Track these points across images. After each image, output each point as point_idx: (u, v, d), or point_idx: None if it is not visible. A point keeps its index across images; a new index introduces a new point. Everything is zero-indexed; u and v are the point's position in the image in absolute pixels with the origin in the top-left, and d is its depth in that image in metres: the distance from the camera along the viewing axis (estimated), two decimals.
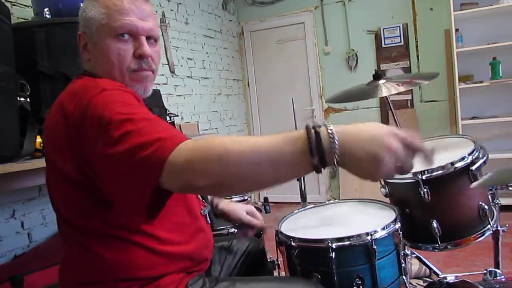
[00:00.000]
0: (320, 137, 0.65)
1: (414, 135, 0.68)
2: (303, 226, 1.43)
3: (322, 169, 0.67)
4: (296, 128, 1.95)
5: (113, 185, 0.79)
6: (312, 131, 0.66)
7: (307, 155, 0.65)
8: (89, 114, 0.80)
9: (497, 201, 1.49)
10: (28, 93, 1.56)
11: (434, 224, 1.40)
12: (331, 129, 0.66)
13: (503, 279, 1.56)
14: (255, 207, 1.48)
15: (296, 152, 0.67)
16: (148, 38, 0.98)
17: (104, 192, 0.83)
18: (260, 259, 1.40)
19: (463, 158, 1.38)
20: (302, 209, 1.62)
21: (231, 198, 2.08)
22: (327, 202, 1.66)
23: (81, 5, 1.02)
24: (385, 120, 4.20)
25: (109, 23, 0.94)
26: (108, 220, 0.90)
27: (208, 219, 1.16)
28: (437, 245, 1.43)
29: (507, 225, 1.50)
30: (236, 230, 1.58)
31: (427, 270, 2.15)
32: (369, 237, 1.19)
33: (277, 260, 1.53)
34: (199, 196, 1.17)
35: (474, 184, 1.26)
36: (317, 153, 0.65)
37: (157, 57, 1.02)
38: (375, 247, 1.19)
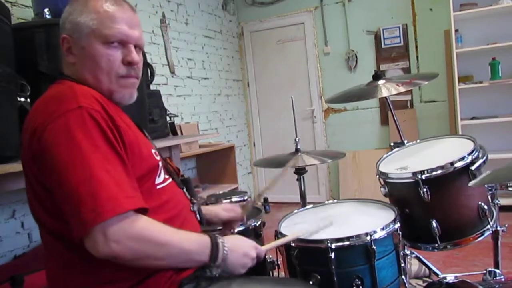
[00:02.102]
0: (218, 253, 0.96)
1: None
2: (302, 226, 1.43)
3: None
4: (296, 128, 1.96)
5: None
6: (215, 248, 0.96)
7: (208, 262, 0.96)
8: (47, 144, 0.85)
9: (497, 201, 1.49)
10: (28, 93, 1.56)
11: (434, 224, 1.40)
12: (226, 249, 0.97)
13: (503, 279, 1.56)
14: (255, 207, 1.48)
15: (205, 258, 0.95)
16: (135, 46, 1.02)
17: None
18: (258, 260, 1.39)
19: (462, 158, 1.38)
20: (302, 209, 1.62)
21: (230, 198, 2.08)
22: (327, 202, 1.66)
23: (67, 7, 1.02)
24: (385, 120, 4.21)
25: (100, 29, 0.96)
26: None
27: (197, 215, 1.16)
28: (437, 245, 1.43)
29: (506, 225, 1.50)
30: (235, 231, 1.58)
31: (427, 270, 2.15)
32: (368, 237, 1.20)
33: (276, 260, 1.53)
34: (186, 193, 1.17)
35: (472, 182, 1.26)
36: (215, 264, 0.96)
37: (141, 65, 1.06)
38: (375, 247, 1.19)
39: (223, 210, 1.34)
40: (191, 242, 0.93)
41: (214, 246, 0.95)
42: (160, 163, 1.04)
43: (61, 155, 0.83)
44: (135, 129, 1.04)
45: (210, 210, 1.33)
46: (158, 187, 1.01)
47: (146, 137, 1.10)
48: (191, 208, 1.14)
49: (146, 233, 0.86)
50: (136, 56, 1.00)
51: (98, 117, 0.88)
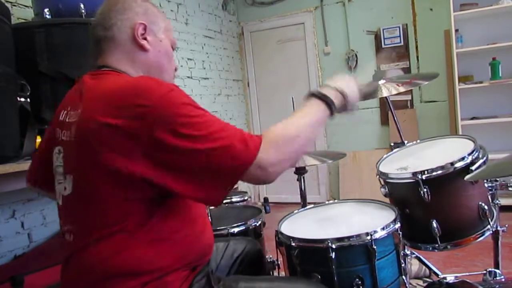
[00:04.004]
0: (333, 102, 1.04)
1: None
2: (303, 226, 1.43)
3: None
4: None
5: (194, 177, 0.86)
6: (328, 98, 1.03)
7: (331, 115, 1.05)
8: (165, 110, 0.85)
9: (497, 201, 1.49)
10: (28, 94, 1.56)
11: (434, 224, 1.40)
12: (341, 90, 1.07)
13: (503, 279, 1.56)
14: (255, 207, 1.48)
15: (327, 115, 1.04)
16: None
17: (169, 186, 0.86)
18: (257, 260, 1.39)
19: (463, 158, 1.38)
20: (302, 209, 1.62)
21: (230, 198, 2.08)
22: (327, 202, 1.66)
23: None
24: (385, 120, 4.20)
25: (171, 35, 1.11)
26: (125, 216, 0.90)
27: (209, 216, 1.17)
28: (437, 245, 1.43)
29: (506, 225, 1.50)
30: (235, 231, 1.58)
31: (427, 270, 2.15)
32: (369, 237, 1.20)
33: (277, 260, 1.53)
34: None
35: (468, 176, 1.26)
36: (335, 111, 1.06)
37: None
38: (375, 247, 1.19)
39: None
40: (311, 117, 1.00)
41: (330, 104, 1.03)
42: None
43: (192, 108, 0.87)
44: None
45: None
46: None
47: None
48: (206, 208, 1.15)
49: (279, 140, 0.91)
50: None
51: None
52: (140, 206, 0.89)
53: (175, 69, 1.14)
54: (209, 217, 1.18)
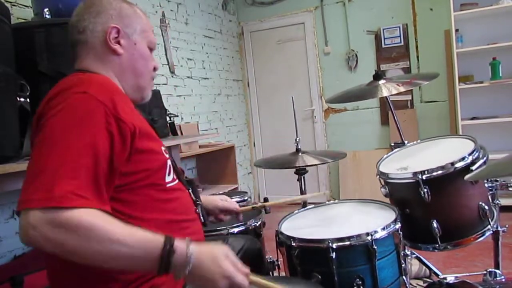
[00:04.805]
0: (171, 258, 0.78)
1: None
2: (303, 226, 1.43)
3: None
4: (296, 128, 1.96)
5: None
6: (166, 251, 0.78)
7: (156, 267, 0.78)
8: (50, 106, 0.87)
9: (497, 201, 1.49)
10: (28, 93, 1.55)
11: (434, 224, 1.40)
12: (190, 253, 0.79)
13: (503, 280, 1.56)
14: (255, 207, 1.48)
15: (152, 264, 0.78)
16: None
17: None
18: (256, 258, 1.39)
19: (463, 158, 1.38)
20: (302, 209, 1.62)
21: (230, 198, 2.08)
22: (327, 202, 1.66)
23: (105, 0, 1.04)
24: (385, 120, 4.20)
25: (148, 34, 1.08)
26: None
27: (201, 217, 1.16)
28: (437, 245, 1.43)
29: (507, 226, 1.50)
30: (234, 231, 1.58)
31: (427, 271, 2.15)
32: (369, 237, 1.20)
33: (277, 260, 1.53)
34: (191, 194, 1.17)
35: (468, 176, 1.26)
36: (164, 270, 0.78)
37: None
38: (375, 247, 1.19)
39: (220, 199, 1.36)
40: (133, 242, 0.77)
41: (166, 253, 0.78)
42: (168, 161, 1.04)
43: (53, 129, 0.83)
44: (147, 125, 1.04)
45: (208, 198, 1.34)
46: (168, 185, 1.01)
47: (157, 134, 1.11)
48: (196, 210, 1.13)
49: (74, 222, 0.74)
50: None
51: (100, 106, 0.86)
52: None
53: (154, 69, 1.11)
54: (201, 218, 1.16)
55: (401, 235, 1.28)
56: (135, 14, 1.06)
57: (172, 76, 3.50)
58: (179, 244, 0.79)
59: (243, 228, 1.62)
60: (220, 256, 0.82)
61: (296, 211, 1.59)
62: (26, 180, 0.78)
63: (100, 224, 0.75)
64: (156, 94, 2.65)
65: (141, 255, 0.77)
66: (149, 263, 0.78)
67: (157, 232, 0.81)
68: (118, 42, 1.02)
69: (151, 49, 1.10)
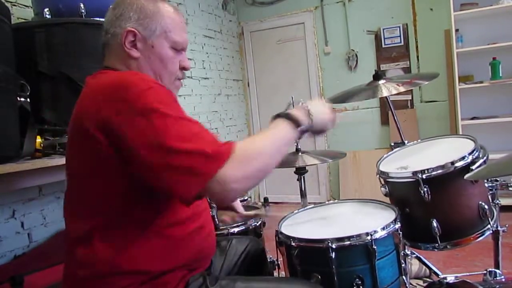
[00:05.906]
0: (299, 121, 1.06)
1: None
2: (303, 226, 1.43)
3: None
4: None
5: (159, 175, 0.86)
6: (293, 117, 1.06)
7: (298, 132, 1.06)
8: (138, 106, 0.86)
9: (497, 201, 1.49)
10: (28, 93, 1.55)
11: (434, 223, 1.40)
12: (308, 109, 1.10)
13: (503, 280, 1.56)
14: (255, 207, 1.48)
15: (294, 133, 1.04)
16: None
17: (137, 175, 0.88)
18: (259, 259, 1.40)
19: (463, 158, 1.37)
20: (302, 209, 1.62)
21: None
22: (327, 202, 1.66)
23: (129, 1, 1.04)
24: (385, 120, 4.20)
25: (172, 35, 1.05)
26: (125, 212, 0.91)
27: (216, 220, 1.18)
28: (437, 244, 1.42)
29: (507, 225, 1.51)
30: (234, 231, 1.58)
31: (427, 270, 2.15)
32: (369, 237, 1.20)
33: (277, 260, 1.53)
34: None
35: (468, 175, 1.26)
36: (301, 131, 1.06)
37: None
38: (375, 247, 1.19)
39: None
40: (275, 136, 1.00)
41: (294, 122, 1.05)
42: None
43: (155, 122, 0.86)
44: None
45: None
46: None
47: None
48: (211, 212, 1.15)
49: (243, 156, 0.89)
50: (189, 63, 1.12)
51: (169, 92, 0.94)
52: (124, 200, 0.91)
53: (184, 68, 1.10)
54: (216, 221, 1.18)
55: (401, 235, 1.28)
56: (157, 14, 1.04)
57: None
58: (295, 112, 1.08)
59: (243, 228, 1.63)
60: (322, 105, 1.15)
61: (296, 211, 1.59)
62: (181, 162, 0.83)
63: (255, 141, 0.97)
64: None
65: (286, 135, 1.02)
66: (293, 132, 1.04)
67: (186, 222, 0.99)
68: (135, 46, 1.02)
69: (175, 49, 1.07)
